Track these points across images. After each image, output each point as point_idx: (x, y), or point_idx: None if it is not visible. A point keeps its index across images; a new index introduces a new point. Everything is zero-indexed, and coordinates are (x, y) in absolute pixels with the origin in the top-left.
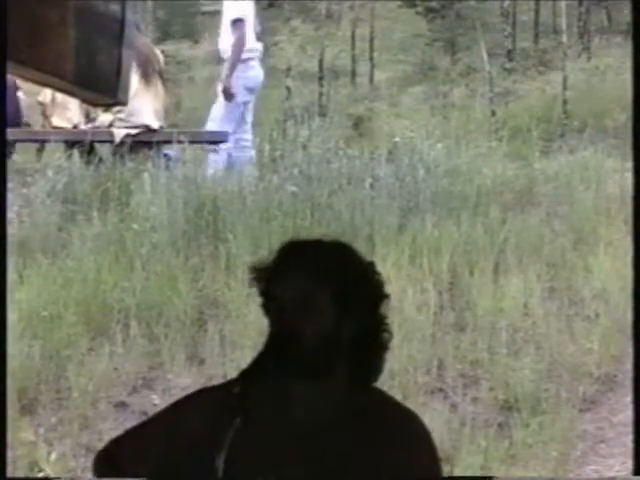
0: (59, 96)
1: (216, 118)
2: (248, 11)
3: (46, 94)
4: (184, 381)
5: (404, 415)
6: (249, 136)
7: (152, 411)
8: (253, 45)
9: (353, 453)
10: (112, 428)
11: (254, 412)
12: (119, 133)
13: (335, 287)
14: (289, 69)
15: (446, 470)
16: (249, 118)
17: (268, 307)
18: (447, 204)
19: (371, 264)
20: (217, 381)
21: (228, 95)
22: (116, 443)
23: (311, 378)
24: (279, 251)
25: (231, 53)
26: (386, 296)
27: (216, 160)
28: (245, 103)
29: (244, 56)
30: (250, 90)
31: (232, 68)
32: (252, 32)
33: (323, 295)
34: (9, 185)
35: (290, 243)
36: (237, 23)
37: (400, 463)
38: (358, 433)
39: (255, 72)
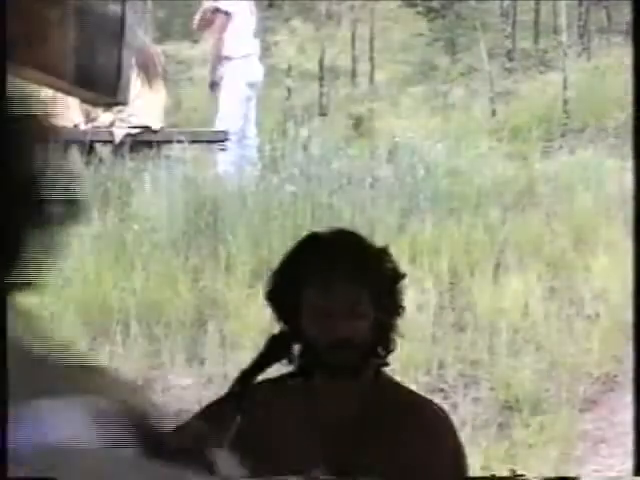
0: (61, 94)
1: (224, 117)
2: (238, 8)
3: (47, 92)
4: (184, 381)
5: (422, 407)
6: (253, 134)
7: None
8: (251, 42)
9: (370, 446)
10: None
11: (256, 411)
12: (119, 133)
13: (354, 280)
14: (289, 69)
15: None
16: (252, 116)
17: (286, 310)
18: (447, 204)
19: (383, 248)
20: (217, 381)
21: (213, 87)
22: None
23: (334, 375)
24: (290, 254)
25: (213, 47)
26: (402, 275)
27: (225, 160)
28: (248, 100)
29: (243, 53)
30: (251, 86)
31: (215, 61)
32: (250, 30)
33: (344, 290)
34: None
35: (300, 243)
36: (220, 18)
37: (420, 457)
38: (375, 428)
39: (254, 68)
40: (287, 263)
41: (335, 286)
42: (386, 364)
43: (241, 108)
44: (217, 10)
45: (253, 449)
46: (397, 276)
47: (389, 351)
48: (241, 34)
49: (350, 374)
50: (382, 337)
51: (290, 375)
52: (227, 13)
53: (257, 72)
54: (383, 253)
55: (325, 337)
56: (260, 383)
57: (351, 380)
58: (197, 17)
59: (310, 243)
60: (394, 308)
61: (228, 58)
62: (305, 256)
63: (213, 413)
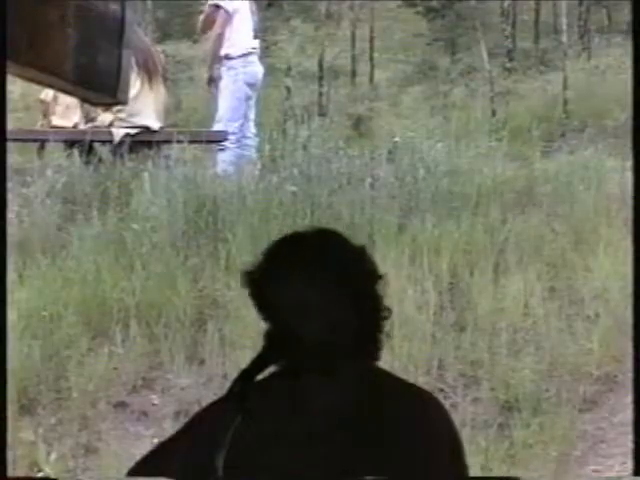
0: (61, 94)
1: (222, 118)
2: (240, 7)
3: (48, 92)
4: (184, 381)
5: (419, 399)
6: (253, 133)
7: (152, 411)
8: (251, 42)
9: (362, 447)
10: (112, 428)
11: (255, 411)
12: (118, 133)
13: (332, 279)
14: (289, 69)
15: None
16: (252, 115)
17: (267, 310)
18: (447, 204)
19: (361, 247)
20: (217, 381)
21: (210, 83)
22: (145, 461)
23: (315, 374)
24: (269, 252)
25: (212, 44)
26: (380, 276)
27: (224, 160)
28: (247, 99)
29: (243, 52)
30: (251, 86)
31: (213, 58)
32: (250, 29)
33: (322, 289)
34: (9, 185)
35: (279, 242)
36: (221, 15)
37: (415, 452)
38: (369, 427)
39: (255, 68)
40: (264, 261)
41: (306, 283)
42: (374, 359)
43: (241, 108)
44: (218, 7)
45: (252, 450)
46: (375, 276)
47: (373, 350)
48: (242, 33)
49: (329, 373)
50: (362, 336)
51: (277, 375)
52: (228, 12)
53: (257, 72)
54: (360, 251)
55: (299, 335)
56: (260, 382)
57: (333, 379)
58: (201, 18)
59: (287, 242)
60: (373, 308)
61: (228, 57)
62: (281, 254)
63: (214, 413)
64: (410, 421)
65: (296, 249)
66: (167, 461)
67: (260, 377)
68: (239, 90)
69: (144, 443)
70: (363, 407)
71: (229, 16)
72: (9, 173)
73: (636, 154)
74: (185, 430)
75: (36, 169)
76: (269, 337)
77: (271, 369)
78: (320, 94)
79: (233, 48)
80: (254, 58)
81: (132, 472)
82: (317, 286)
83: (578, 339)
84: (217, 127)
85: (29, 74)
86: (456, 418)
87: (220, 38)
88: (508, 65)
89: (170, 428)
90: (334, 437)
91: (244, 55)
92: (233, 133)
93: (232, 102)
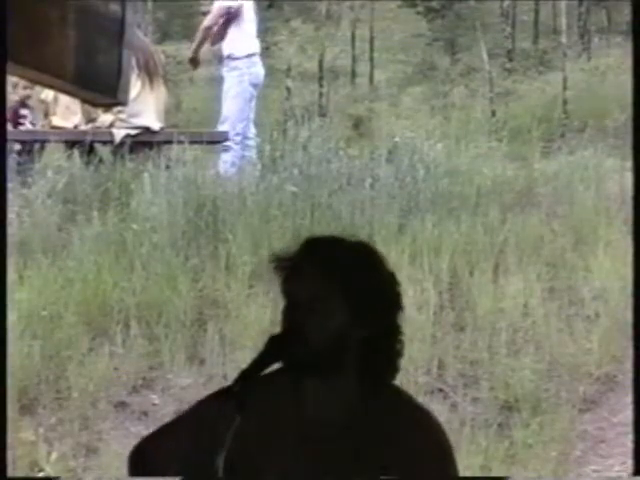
0: (61, 95)
1: (228, 119)
2: (244, 7)
3: (48, 92)
4: (184, 381)
5: (417, 414)
6: (253, 134)
7: (152, 411)
8: (254, 42)
9: (359, 452)
10: (112, 428)
11: (254, 411)
12: (119, 133)
13: (347, 288)
14: (289, 69)
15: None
16: (252, 115)
17: (283, 298)
18: (447, 204)
19: (391, 274)
20: (217, 381)
21: (193, 63)
22: (147, 441)
23: (316, 376)
24: (298, 247)
25: (203, 28)
26: (401, 307)
27: (226, 160)
28: (251, 100)
29: (247, 52)
30: (255, 86)
31: (202, 38)
32: (254, 30)
33: (333, 295)
34: (9, 185)
35: (310, 239)
36: (223, 8)
37: (410, 463)
38: (365, 433)
39: (258, 68)
40: (296, 253)
41: (303, 275)
42: (385, 380)
43: (246, 108)
44: (224, 7)
45: (252, 450)
46: (397, 303)
47: (384, 371)
48: (246, 34)
49: (330, 377)
50: (372, 352)
51: (278, 375)
52: (230, 8)
53: (259, 73)
54: (387, 275)
55: (305, 335)
56: (260, 382)
57: (335, 383)
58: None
59: (324, 242)
60: (387, 330)
61: (232, 57)
62: (312, 251)
63: (214, 412)
64: (408, 428)
65: (328, 251)
66: (166, 447)
67: (261, 377)
68: (245, 91)
69: None
70: (363, 412)
71: (229, 12)
72: (9, 173)
73: (636, 154)
74: (185, 422)
75: (37, 169)
76: (274, 335)
77: (272, 369)
78: (320, 94)
79: (237, 48)
80: (257, 59)
81: (132, 457)
82: (334, 291)
83: (578, 339)
84: (222, 128)
85: (29, 74)
86: (456, 418)
87: (212, 23)
88: (508, 65)
89: None
90: (333, 438)
91: (249, 55)
92: (238, 134)
93: (238, 103)
